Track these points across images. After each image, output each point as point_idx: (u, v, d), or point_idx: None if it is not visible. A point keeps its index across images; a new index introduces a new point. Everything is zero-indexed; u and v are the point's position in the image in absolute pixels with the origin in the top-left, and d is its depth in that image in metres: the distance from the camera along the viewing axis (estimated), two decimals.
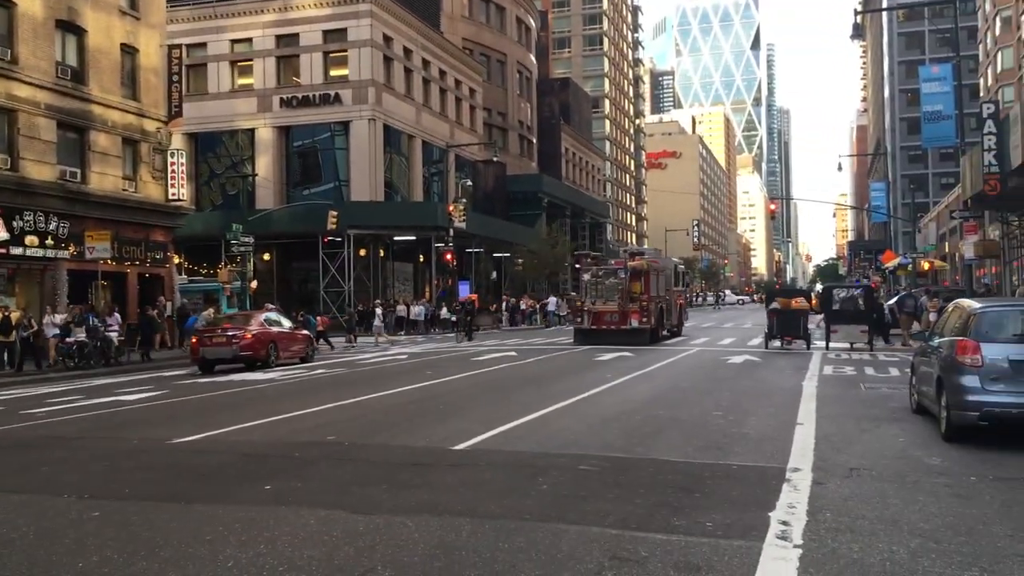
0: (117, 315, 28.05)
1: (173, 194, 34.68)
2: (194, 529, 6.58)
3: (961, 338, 10.03)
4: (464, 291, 52.02)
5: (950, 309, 12.00)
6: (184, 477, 8.73)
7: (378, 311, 38.97)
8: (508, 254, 60.71)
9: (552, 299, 53.40)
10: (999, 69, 72.63)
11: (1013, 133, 19.94)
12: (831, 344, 25.99)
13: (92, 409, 15.00)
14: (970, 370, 9.63)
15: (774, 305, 26.68)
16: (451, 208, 47.30)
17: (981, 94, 73.25)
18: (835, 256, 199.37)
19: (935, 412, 10.67)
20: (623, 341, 28.75)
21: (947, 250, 61.51)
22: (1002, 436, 9.81)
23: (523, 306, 51.87)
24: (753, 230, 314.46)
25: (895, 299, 29.45)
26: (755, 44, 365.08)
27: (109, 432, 12.25)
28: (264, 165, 51.09)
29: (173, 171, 34.67)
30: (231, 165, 52.36)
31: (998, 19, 73.01)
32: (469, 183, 58.93)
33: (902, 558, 5.63)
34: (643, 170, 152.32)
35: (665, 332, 32.24)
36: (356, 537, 6.24)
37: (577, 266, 43.24)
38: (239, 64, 53.12)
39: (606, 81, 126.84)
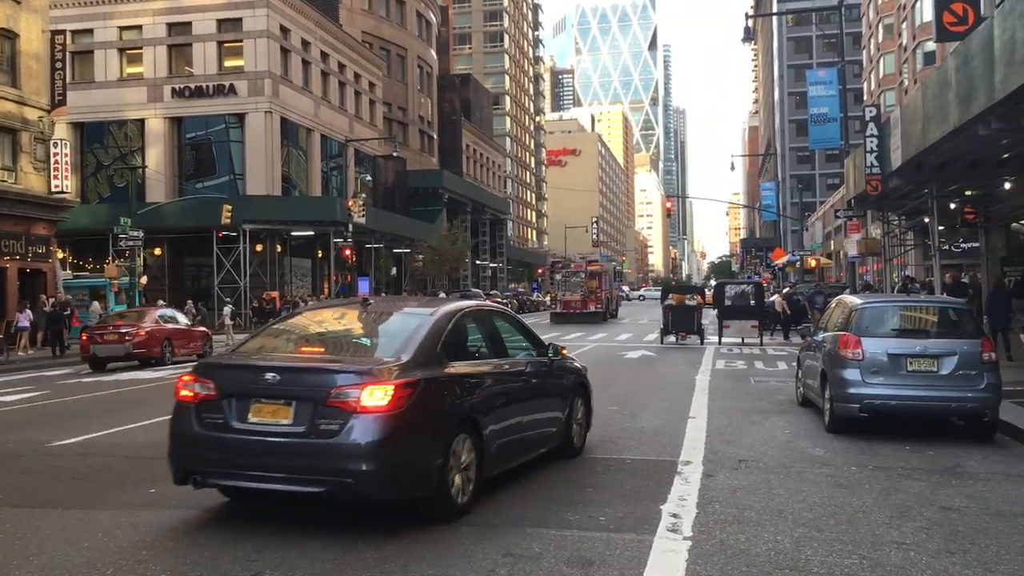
0: (29, 311, 26.88)
1: (56, 186, 33.23)
2: (71, 536, 6.28)
3: (843, 333, 10.41)
4: (364, 287, 51.50)
5: (833, 305, 12.46)
6: (63, 482, 8.34)
7: (227, 309, 37.52)
8: (408, 250, 60.35)
9: (441, 295, 53.45)
10: (881, 74, 75.89)
11: (893, 136, 20.79)
12: (723, 339, 26.70)
13: None
14: (852, 364, 10.01)
15: (669, 301, 27.21)
16: (350, 203, 46.72)
17: (865, 98, 76.37)
18: (728, 253, 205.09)
19: (819, 405, 11.05)
20: (586, 320, 41.40)
21: (833, 248, 63.88)
22: (881, 427, 10.22)
23: None
24: (650, 227, 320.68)
25: (808, 295, 30.53)
26: (652, 45, 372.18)
27: None
28: (155, 157, 49.40)
29: (56, 162, 33.21)
30: (119, 156, 50.48)
31: (881, 26, 76.25)
32: (369, 178, 58.43)
33: (786, 547, 5.79)
34: (543, 167, 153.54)
35: (611, 315, 45.98)
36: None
37: (551, 270, 52.70)
38: (128, 52, 51.23)
39: (507, 78, 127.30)
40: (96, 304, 31.53)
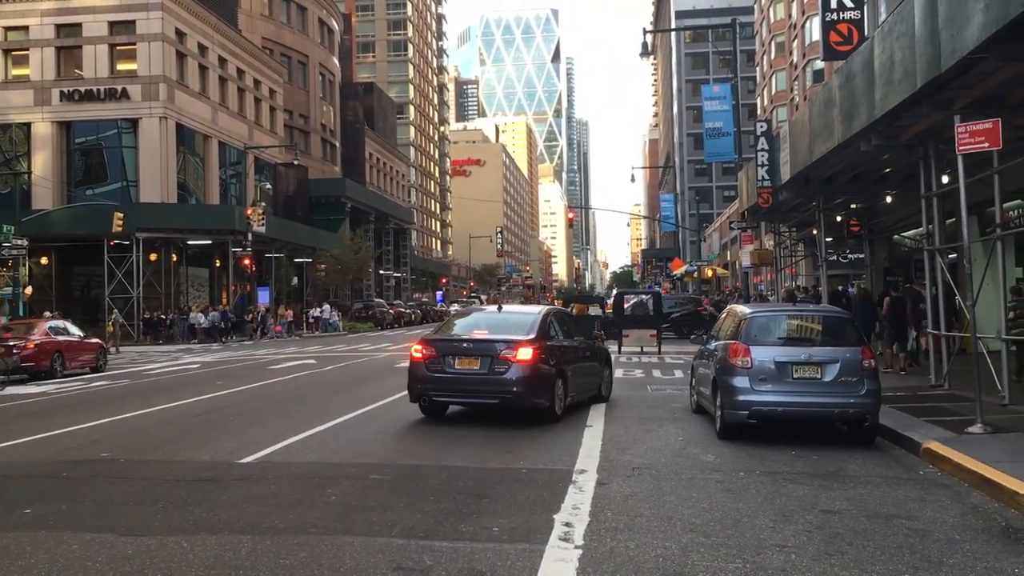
0: None
1: None
2: None
3: (734, 341, 10.69)
4: (264, 297, 50.46)
5: (724, 314, 12.78)
6: None
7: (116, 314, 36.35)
8: (310, 259, 59.40)
9: (326, 307, 52.90)
10: (774, 90, 78.50)
11: (783, 150, 21.50)
12: (623, 348, 27.11)
13: None
14: (741, 371, 10.29)
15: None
16: (249, 211, 45.74)
17: (759, 113, 78.86)
18: (630, 263, 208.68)
19: (712, 412, 11.31)
20: None
21: (729, 258, 65.67)
22: (770, 433, 10.53)
23: (286, 316, 48.39)
24: (554, 237, 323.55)
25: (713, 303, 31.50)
26: (556, 57, 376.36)
27: None
28: (42, 162, 47.45)
29: None
30: (3, 161, 48.30)
31: (773, 44, 78.89)
32: (269, 186, 57.35)
33: (674, 553, 5.90)
34: (448, 177, 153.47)
35: None
36: (123, 561, 5.84)
37: (498, 283, 55.84)
38: (13, 53, 49.08)
39: (411, 87, 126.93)
40: None
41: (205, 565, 5.72)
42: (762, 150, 23.00)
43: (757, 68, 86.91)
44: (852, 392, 10.05)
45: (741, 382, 10.25)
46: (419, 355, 12.21)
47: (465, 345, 12.16)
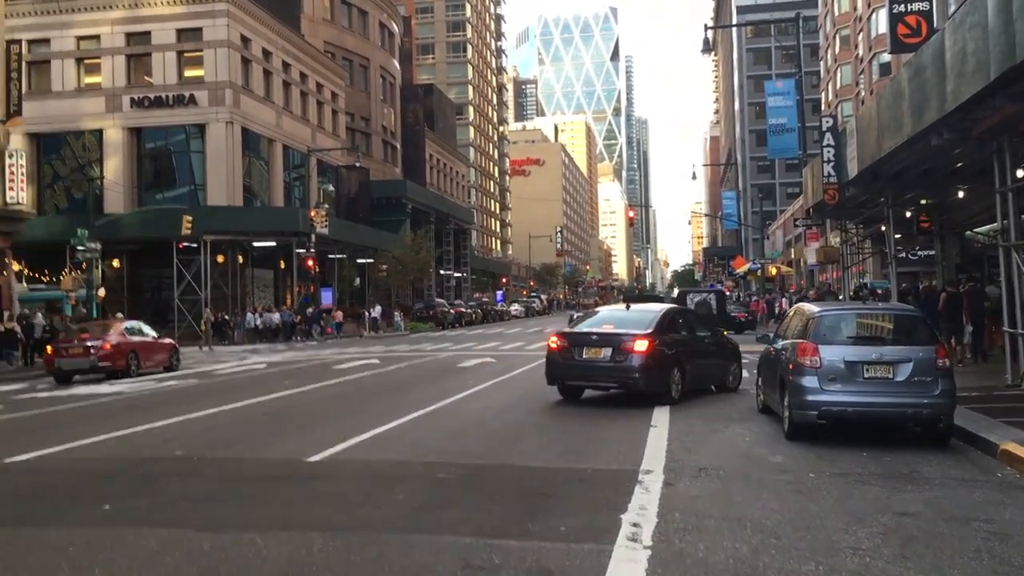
0: None
1: (11, 198, 32.62)
2: (22, 554, 6.16)
3: (801, 341, 10.52)
4: (327, 298, 51.14)
5: (791, 313, 12.59)
6: (15, 499, 8.18)
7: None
8: (372, 260, 60.03)
9: (378, 307, 53.23)
10: (839, 85, 77.04)
11: (849, 146, 21.07)
12: None
13: None
14: (809, 371, 10.11)
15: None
16: (313, 213, 46.41)
17: (822, 108, 77.49)
18: (691, 262, 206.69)
19: (779, 412, 11.15)
20: None
21: (793, 256, 64.65)
22: (839, 434, 10.33)
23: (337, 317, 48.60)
24: (614, 236, 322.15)
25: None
26: (615, 55, 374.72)
27: None
28: (113, 168, 48.77)
29: (11, 173, 32.62)
30: (77, 167, 49.74)
31: (837, 38, 77.43)
32: (331, 188, 58.07)
33: (744, 555, 5.83)
34: (507, 177, 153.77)
35: None
36: (200, 556, 5.98)
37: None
38: (86, 62, 50.53)
39: (470, 88, 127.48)
40: (40, 316, 30.92)
41: (279, 561, 5.82)
42: (828, 146, 22.56)
43: (821, 63, 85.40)
44: (926, 392, 9.81)
45: (810, 382, 10.08)
46: (554, 345, 14.23)
47: (592, 337, 14.02)
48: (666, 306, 16.43)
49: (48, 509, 7.71)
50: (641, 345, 13.33)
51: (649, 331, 13.65)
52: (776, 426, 11.31)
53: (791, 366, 10.50)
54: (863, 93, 67.44)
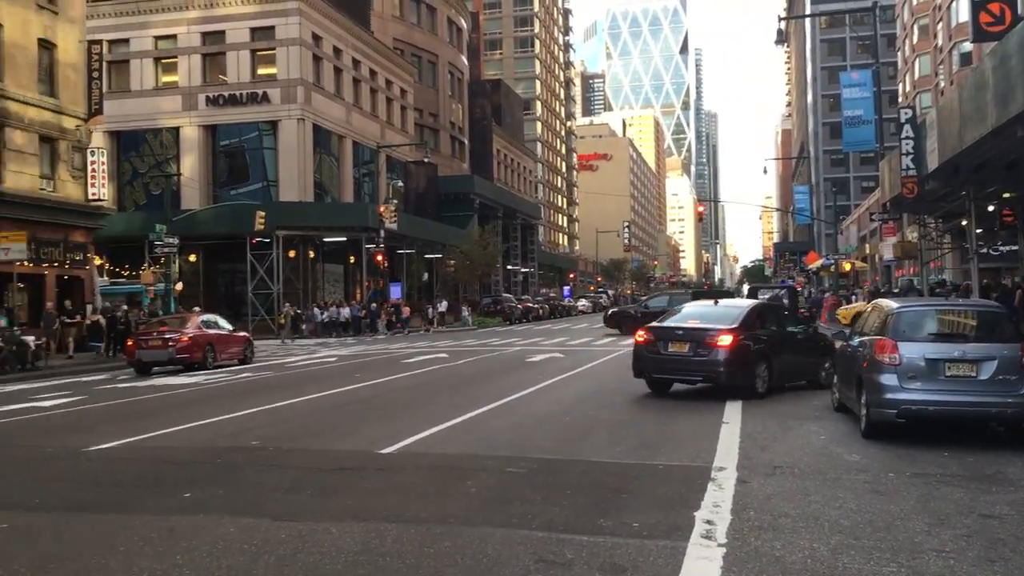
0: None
1: (93, 194, 33.71)
2: (107, 540, 6.35)
3: (880, 337, 10.26)
4: (396, 293, 51.67)
5: (869, 309, 12.29)
6: (99, 486, 8.44)
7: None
8: (440, 255, 60.46)
9: (444, 303, 53.33)
10: (916, 76, 74.98)
11: (929, 138, 20.51)
12: None
13: (5, 416, 14.45)
14: (888, 368, 9.85)
15: None
16: (382, 209, 46.92)
17: (900, 100, 75.53)
18: (761, 257, 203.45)
19: (855, 410, 10.90)
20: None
21: (867, 251, 63.21)
22: (919, 433, 10.06)
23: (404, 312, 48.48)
24: (682, 232, 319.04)
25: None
26: (684, 48, 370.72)
27: (21, 440, 11.80)
28: (189, 164, 50.01)
29: (93, 170, 33.70)
30: (155, 164, 51.09)
31: (916, 27, 75.35)
32: (400, 184, 58.58)
33: (823, 555, 5.71)
34: (574, 172, 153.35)
35: None
36: (277, 545, 6.09)
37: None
38: (163, 61, 51.87)
39: (537, 83, 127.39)
40: (123, 309, 31.81)
41: (353, 551, 5.90)
42: (907, 138, 22.02)
43: (898, 53, 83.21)
44: (1011, 391, 9.47)
45: (889, 380, 9.81)
46: (641, 339, 14.64)
47: (678, 332, 14.30)
48: (754, 302, 16.86)
49: (132, 496, 7.94)
50: (724, 340, 13.61)
51: (734, 326, 13.95)
52: (852, 424, 11.06)
53: (869, 363, 10.25)
54: (943, 84, 65.53)
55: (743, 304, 15.95)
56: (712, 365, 13.69)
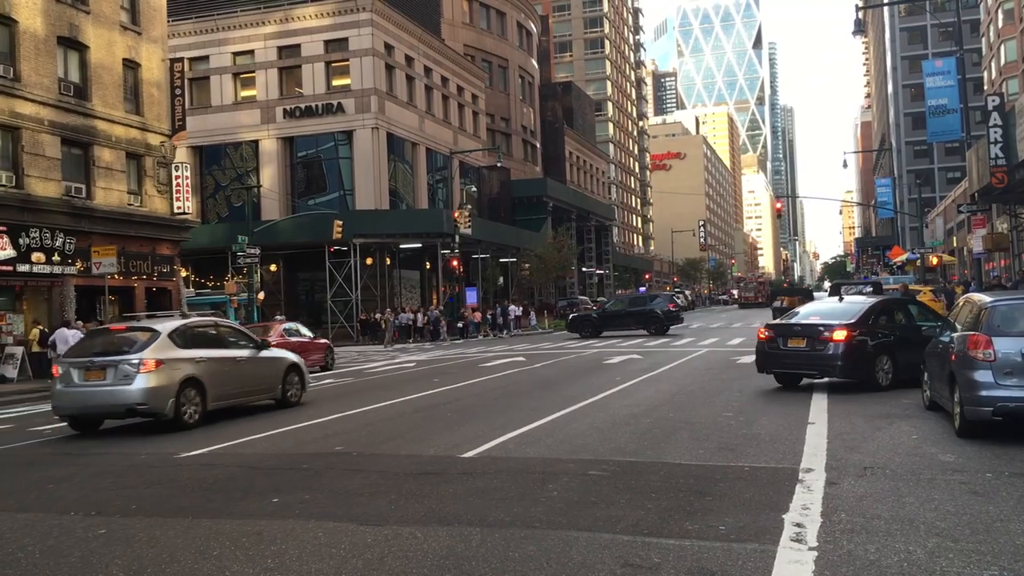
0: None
1: (178, 207, 34.71)
2: (200, 544, 6.51)
3: (973, 333, 9.90)
4: (471, 297, 51.97)
5: (961, 303, 11.89)
6: (191, 492, 8.66)
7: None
8: (514, 259, 60.64)
9: (512, 307, 52.26)
10: (1003, 61, 72.38)
11: (1019, 125, 19.78)
12: None
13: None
14: (982, 365, 9.50)
15: (778, 303, 27.38)
16: (456, 214, 47.29)
17: (986, 87, 73.00)
18: (843, 253, 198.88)
19: (948, 408, 10.54)
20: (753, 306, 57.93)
21: (955, 244, 61.27)
22: (1017, 431, 9.68)
23: (469, 316, 47.60)
24: (759, 229, 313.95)
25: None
26: (757, 43, 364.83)
27: (116, 447, 12.19)
28: (268, 176, 51.16)
29: (178, 184, 34.70)
30: (236, 177, 52.44)
31: (1000, 11, 72.76)
32: (474, 189, 59.00)
33: (920, 558, 5.53)
34: (648, 172, 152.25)
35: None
36: (364, 549, 6.16)
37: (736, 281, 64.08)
38: (241, 76, 53.22)
39: (608, 84, 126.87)
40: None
41: (439, 555, 5.93)
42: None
43: (982, 39, 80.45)
44: None
45: (983, 376, 9.46)
46: (763, 336, 15.46)
47: (795, 328, 15.15)
48: (878, 298, 17.28)
49: (222, 501, 8.13)
50: (839, 335, 14.21)
51: (850, 322, 14.49)
52: (945, 423, 10.70)
53: (962, 360, 9.90)
54: None
55: (864, 302, 16.19)
56: (828, 359, 14.28)
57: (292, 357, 16.83)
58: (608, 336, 38.48)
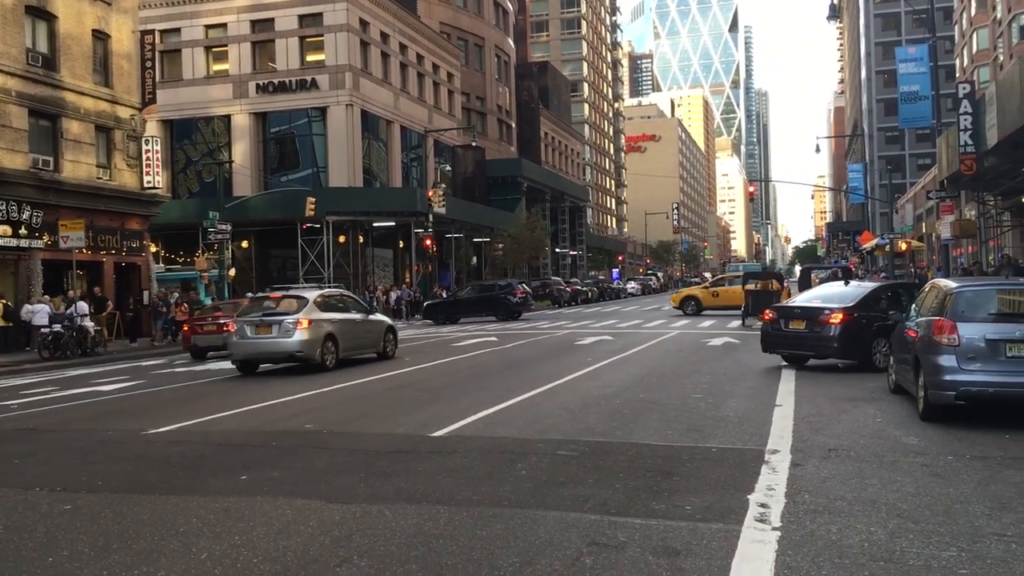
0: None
1: (148, 182, 34.32)
2: (168, 521, 6.49)
3: (938, 318, 10.04)
4: (445, 277, 51.89)
5: (927, 289, 12.04)
6: (158, 468, 8.62)
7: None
8: (488, 239, 60.59)
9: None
10: (975, 49, 73.00)
11: (989, 113, 19.99)
12: None
13: (66, 400, 14.84)
14: (947, 349, 9.64)
15: (750, 285, 27.81)
16: (430, 193, 47.12)
17: (957, 75, 73.61)
18: (814, 237, 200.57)
19: (913, 392, 10.70)
20: None
21: (924, 230, 61.95)
22: (979, 415, 9.85)
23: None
24: (732, 212, 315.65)
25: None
26: (733, 26, 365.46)
27: (83, 424, 12.10)
28: (241, 152, 50.66)
29: (148, 158, 34.30)
30: (207, 152, 51.87)
31: (973, 0, 73.30)
32: (448, 168, 58.81)
33: (880, 539, 5.62)
34: (622, 154, 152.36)
35: None
36: (332, 527, 6.17)
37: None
38: (214, 50, 52.54)
39: (584, 65, 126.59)
40: (176, 296, 32.33)
41: (407, 533, 5.95)
42: (965, 113, 21.49)
43: (955, 27, 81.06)
44: None
45: (947, 361, 9.60)
46: (767, 318, 16.42)
47: (796, 311, 15.90)
48: (880, 284, 17.97)
49: (190, 478, 8.10)
50: (836, 318, 14.84)
51: (849, 305, 15.12)
52: (909, 407, 10.87)
53: (927, 344, 10.05)
54: (1002, 57, 63.73)
55: (867, 286, 16.96)
56: (826, 341, 14.95)
57: (388, 320, 21.40)
58: (466, 322, 38.76)
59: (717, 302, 36.40)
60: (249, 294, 35.58)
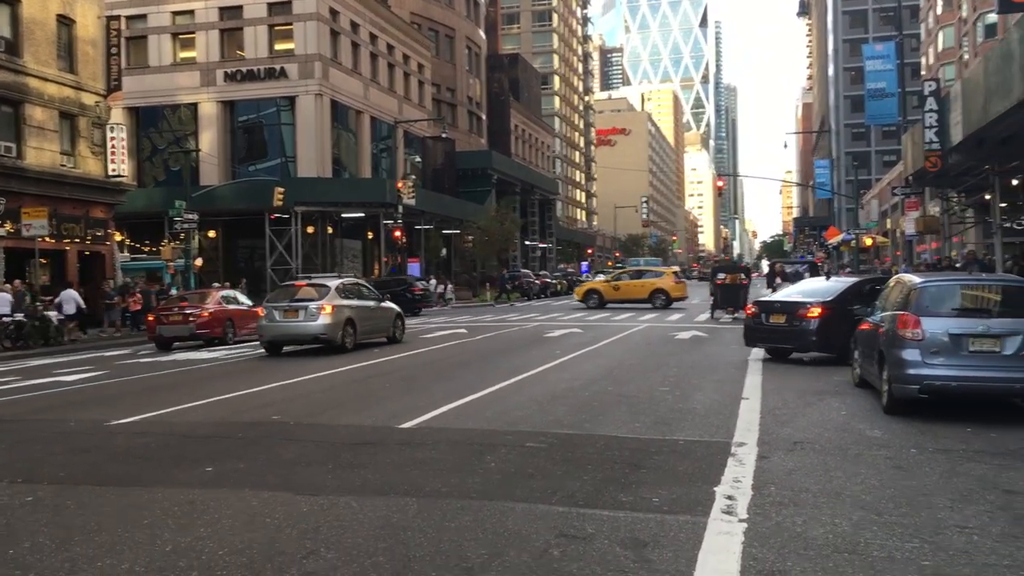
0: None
1: (113, 170, 33.85)
2: (132, 513, 6.41)
3: (902, 312, 10.16)
4: (414, 269, 51.65)
5: (891, 284, 12.19)
6: (122, 460, 8.51)
7: None
8: (458, 231, 60.42)
9: (433, 280, 51.01)
10: (940, 48, 73.87)
11: (953, 111, 20.25)
12: None
13: (29, 391, 14.61)
14: (911, 344, 9.77)
15: (721, 277, 28.24)
16: (400, 185, 46.88)
17: (923, 72, 74.47)
18: (781, 232, 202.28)
19: (877, 386, 10.83)
20: None
21: (889, 226, 62.67)
22: (942, 408, 9.99)
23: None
24: (701, 207, 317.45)
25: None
26: (703, 22, 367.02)
27: (45, 414, 11.92)
28: (208, 140, 50.06)
29: (113, 146, 33.82)
30: (174, 140, 51.19)
31: None
32: (418, 159, 58.46)
33: (845, 530, 5.69)
34: (592, 147, 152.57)
35: None
36: (299, 519, 6.13)
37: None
38: (181, 37, 51.80)
39: (555, 57, 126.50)
40: (141, 285, 31.96)
41: (375, 525, 5.93)
42: (930, 111, 21.77)
43: (922, 25, 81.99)
44: None
45: (911, 355, 9.73)
46: (749, 312, 17.11)
47: (776, 305, 16.37)
48: (863, 278, 18.28)
49: (154, 470, 8.01)
50: (813, 312, 15.28)
51: (828, 300, 15.48)
52: (873, 400, 11.00)
53: (891, 338, 10.17)
54: (967, 56, 64.56)
55: (848, 281, 17.26)
56: (804, 335, 15.39)
57: (397, 308, 23.28)
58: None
59: (618, 295, 37.10)
60: (215, 284, 35.27)
